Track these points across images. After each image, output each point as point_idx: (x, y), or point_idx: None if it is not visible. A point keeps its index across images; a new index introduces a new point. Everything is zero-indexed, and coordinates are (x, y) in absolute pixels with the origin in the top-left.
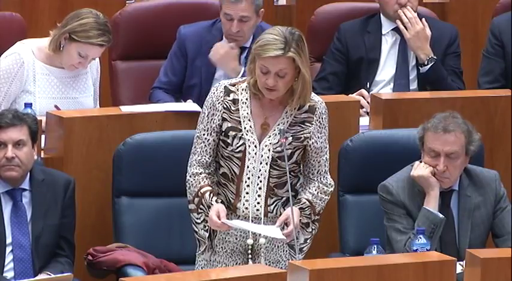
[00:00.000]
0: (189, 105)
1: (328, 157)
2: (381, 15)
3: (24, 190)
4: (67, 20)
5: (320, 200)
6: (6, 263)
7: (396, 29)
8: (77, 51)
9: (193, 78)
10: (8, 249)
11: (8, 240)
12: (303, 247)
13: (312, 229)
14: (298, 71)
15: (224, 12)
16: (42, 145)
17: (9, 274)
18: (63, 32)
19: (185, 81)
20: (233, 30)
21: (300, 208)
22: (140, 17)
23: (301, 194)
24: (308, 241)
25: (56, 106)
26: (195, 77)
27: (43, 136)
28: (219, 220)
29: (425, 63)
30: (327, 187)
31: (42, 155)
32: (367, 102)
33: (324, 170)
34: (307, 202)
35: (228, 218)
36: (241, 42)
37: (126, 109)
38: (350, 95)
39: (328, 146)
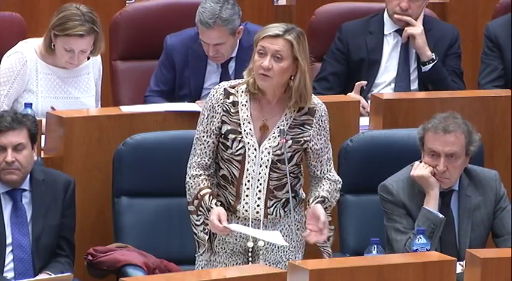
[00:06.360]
0: (189, 105)
1: (330, 156)
2: (384, 15)
3: (24, 190)
4: (52, 18)
5: (334, 199)
6: (6, 263)
7: (398, 31)
8: (62, 47)
9: (182, 89)
10: (8, 249)
11: (8, 240)
12: (325, 246)
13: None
14: (296, 66)
15: (200, 36)
16: (42, 145)
17: (9, 274)
18: (48, 30)
19: (175, 92)
20: (210, 54)
21: (325, 208)
22: (140, 17)
23: (319, 191)
24: (330, 238)
25: (52, 107)
26: (185, 88)
27: (43, 136)
28: (221, 223)
29: (427, 62)
30: (336, 183)
31: (42, 155)
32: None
33: (327, 169)
34: (327, 200)
35: (228, 220)
36: (222, 59)
37: (126, 109)
38: (349, 94)
39: (329, 145)
